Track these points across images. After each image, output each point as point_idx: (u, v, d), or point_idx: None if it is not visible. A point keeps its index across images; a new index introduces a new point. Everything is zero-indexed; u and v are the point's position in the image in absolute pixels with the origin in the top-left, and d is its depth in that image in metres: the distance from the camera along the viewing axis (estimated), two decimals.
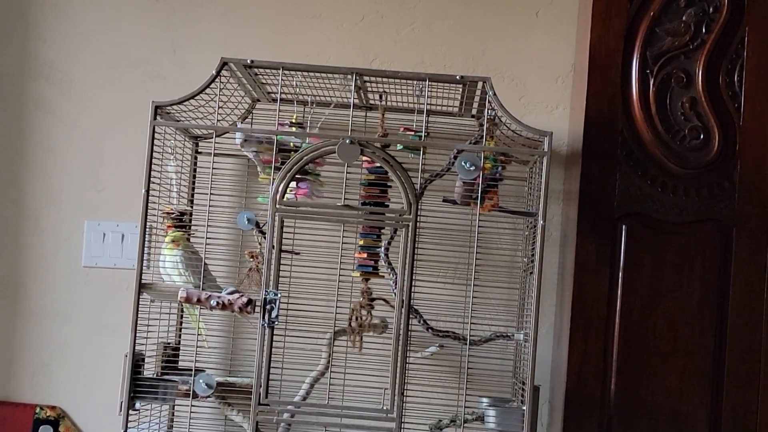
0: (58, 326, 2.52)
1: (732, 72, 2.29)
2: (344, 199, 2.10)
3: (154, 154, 2.10)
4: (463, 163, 2.06)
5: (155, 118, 2.10)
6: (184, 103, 2.12)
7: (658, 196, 2.28)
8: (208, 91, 2.11)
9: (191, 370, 2.13)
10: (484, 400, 2.23)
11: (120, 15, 2.55)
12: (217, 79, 2.11)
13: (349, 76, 2.12)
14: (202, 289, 2.11)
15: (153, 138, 2.10)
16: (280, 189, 2.05)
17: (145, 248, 2.10)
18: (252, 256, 2.21)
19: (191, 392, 2.11)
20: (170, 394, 2.11)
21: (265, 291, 2.04)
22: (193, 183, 2.39)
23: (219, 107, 2.14)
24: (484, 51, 2.51)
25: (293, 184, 2.18)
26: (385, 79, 2.15)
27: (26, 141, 2.54)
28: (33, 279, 2.53)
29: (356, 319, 2.13)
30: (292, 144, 2.16)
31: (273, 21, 2.54)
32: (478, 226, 2.10)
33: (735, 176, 2.28)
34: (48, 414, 2.48)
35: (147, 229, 2.10)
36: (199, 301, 2.09)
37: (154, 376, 2.19)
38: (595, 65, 2.30)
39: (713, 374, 2.24)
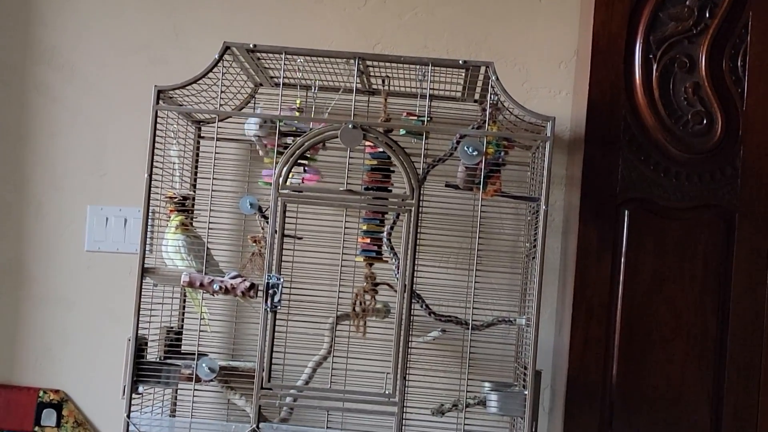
0: (61, 310, 2.52)
1: (735, 57, 2.28)
2: (347, 184, 2.10)
3: (156, 138, 2.10)
4: (465, 148, 2.05)
5: (158, 103, 2.10)
6: (187, 88, 2.11)
7: (660, 182, 2.28)
8: (210, 75, 2.11)
9: (194, 354, 2.14)
10: (486, 384, 2.22)
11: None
12: (219, 64, 2.11)
13: (352, 61, 2.11)
14: (205, 274, 2.12)
15: (155, 123, 2.10)
16: (283, 173, 2.05)
17: (148, 233, 2.11)
18: (255, 241, 2.22)
19: (194, 376, 2.11)
20: (173, 378, 2.12)
21: (268, 276, 2.04)
22: (196, 168, 2.39)
23: (221, 92, 2.14)
24: (487, 36, 2.50)
25: (300, 170, 2.19)
26: (387, 64, 2.15)
27: (29, 127, 2.54)
28: (36, 264, 2.53)
29: (360, 303, 2.13)
30: (295, 129, 2.16)
31: (276, 5, 2.53)
32: (481, 211, 2.10)
33: (738, 162, 2.27)
34: (51, 398, 2.49)
35: (150, 214, 2.11)
36: (201, 285, 2.09)
37: (157, 360, 2.19)
38: (598, 50, 2.30)
39: (715, 359, 2.24)
